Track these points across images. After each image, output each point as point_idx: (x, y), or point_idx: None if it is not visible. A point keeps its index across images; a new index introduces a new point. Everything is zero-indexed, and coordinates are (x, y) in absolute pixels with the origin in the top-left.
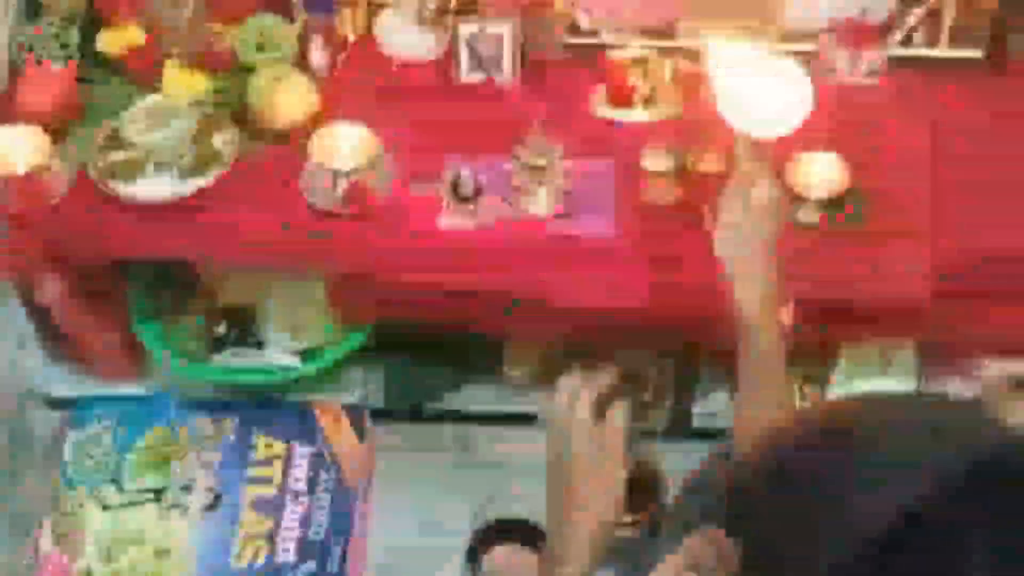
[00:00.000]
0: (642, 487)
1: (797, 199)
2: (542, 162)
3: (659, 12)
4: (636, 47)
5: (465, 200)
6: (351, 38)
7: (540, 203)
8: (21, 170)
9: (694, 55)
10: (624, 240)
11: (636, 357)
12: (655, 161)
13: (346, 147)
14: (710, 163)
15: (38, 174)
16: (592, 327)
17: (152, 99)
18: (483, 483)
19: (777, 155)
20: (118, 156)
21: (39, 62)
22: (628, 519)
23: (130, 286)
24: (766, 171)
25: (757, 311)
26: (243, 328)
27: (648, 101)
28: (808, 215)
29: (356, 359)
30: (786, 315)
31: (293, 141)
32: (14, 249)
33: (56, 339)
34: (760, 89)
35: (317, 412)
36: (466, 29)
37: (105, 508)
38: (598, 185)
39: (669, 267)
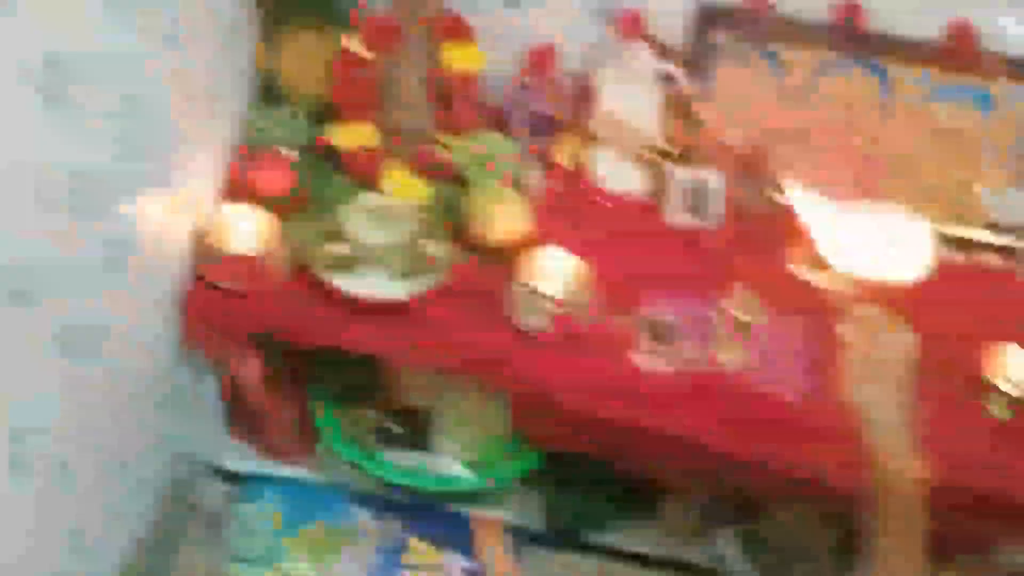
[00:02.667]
0: None
1: (991, 390)
2: (747, 318)
3: (863, 188)
4: None
5: (662, 341)
6: (565, 165)
7: (735, 356)
8: (246, 250)
9: None
10: (814, 405)
11: (798, 519)
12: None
13: (555, 272)
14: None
15: (261, 256)
16: (764, 487)
17: (374, 198)
18: None
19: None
20: (336, 250)
21: (271, 147)
22: None
23: (314, 371)
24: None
25: (896, 458)
26: (416, 430)
27: None
28: (1000, 409)
29: (521, 478)
30: (923, 468)
31: (502, 258)
32: (229, 324)
33: (237, 413)
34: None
35: (476, 526)
36: (681, 174)
37: None
38: (793, 346)
39: (856, 441)
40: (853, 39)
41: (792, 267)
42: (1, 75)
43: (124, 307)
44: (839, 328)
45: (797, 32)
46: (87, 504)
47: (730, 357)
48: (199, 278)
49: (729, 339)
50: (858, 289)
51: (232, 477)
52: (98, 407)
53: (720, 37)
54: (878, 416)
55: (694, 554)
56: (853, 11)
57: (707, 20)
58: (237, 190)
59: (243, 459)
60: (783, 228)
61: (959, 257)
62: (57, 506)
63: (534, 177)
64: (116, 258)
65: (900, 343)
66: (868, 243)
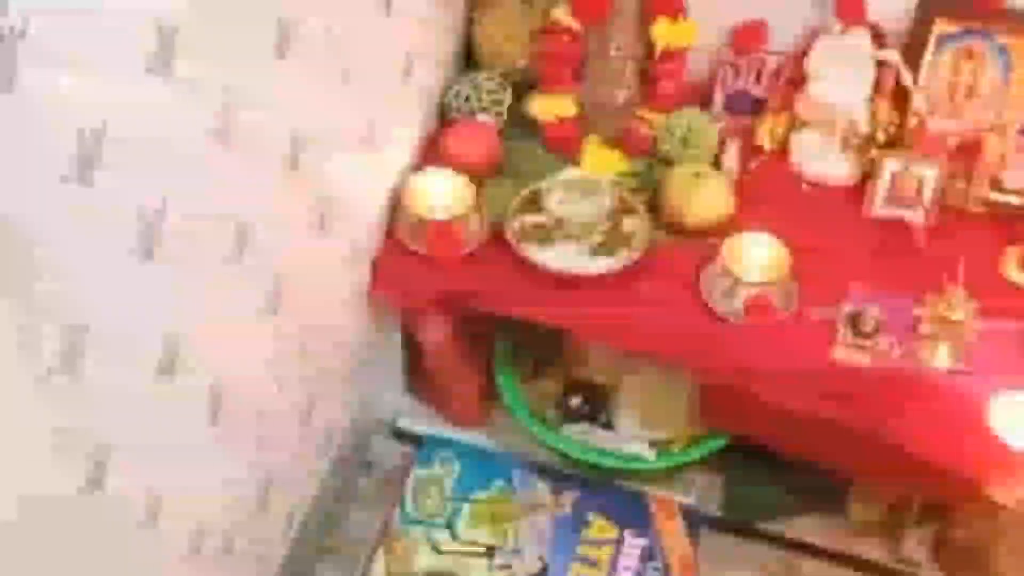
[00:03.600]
0: None
1: None
2: (957, 316)
3: None
4: None
5: (864, 335)
6: (766, 147)
7: (941, 356)
8: (442, 215)
9: None
10: None
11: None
12: None
13: (756, 258)
14: None
15: (457, 221)
16: (958, 493)
17: (574, 171)
18: None
19: None
20: (533, 220)
21: (472, 114)
22: None
23: (499, 339)
24: None
25: None
26: (597, 406)
27: None
28: None
29: (701, 461)
30: None
31: (700, 238)
32: (421, 288)
33: (419, 376)
34: None
35: (654, 506)
36: (891, 164)
37: (438, 552)
38: (1001, 349)
39: None
40: None
41: (1006, 269)
42: (241, 37)
43: (324, 264)
44: None
45: None
46: (275, 452)
47: (935, 357)
48: (393, 240)
49: (935, 338)
50: None
51: (410, 438)
52: (291, 360)
53: (944, 26)
54: None
55: (878, 552)
56: None
57: (931, 7)
58: (436, 155)
59: (422, 421)
60: (997, 227)
61: None
62: (250, 452)
63: (734, 157)
64: (322, 217)
65: None
66: None
